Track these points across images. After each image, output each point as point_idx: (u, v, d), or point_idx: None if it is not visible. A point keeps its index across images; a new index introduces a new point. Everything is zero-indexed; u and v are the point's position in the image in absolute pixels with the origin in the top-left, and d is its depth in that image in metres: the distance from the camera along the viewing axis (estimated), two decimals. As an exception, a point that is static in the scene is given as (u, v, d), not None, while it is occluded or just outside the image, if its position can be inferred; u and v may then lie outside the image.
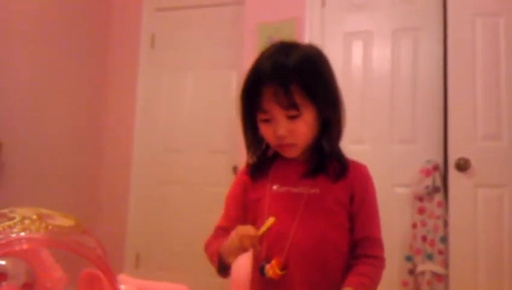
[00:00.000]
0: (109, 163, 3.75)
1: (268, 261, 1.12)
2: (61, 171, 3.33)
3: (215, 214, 3.65)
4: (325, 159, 1.21)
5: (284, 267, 1.11)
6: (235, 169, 3.27)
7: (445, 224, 2.55)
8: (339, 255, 1.17)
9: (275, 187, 1.22)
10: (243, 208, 1.27)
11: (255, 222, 1.18)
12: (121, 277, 0.70)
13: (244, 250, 1.09)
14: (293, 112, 1.11)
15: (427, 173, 2.59)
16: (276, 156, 1.25)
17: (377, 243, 1.21)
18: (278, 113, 1.12)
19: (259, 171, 1.26)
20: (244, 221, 1.22)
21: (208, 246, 1.28)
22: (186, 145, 3.67)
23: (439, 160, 2.66)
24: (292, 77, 1.10)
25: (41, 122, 3.18)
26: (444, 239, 2.53)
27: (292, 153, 1.19)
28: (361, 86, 2.88)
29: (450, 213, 2.53)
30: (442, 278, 2.51)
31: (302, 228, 1.15)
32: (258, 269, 1.13)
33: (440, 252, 2.52)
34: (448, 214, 2.54)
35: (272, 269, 1.10)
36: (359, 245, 1.19)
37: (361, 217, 1.20)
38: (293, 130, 1.13)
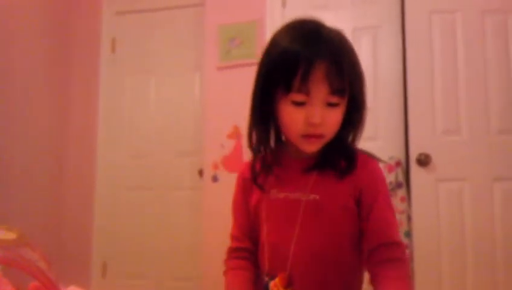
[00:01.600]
0: (72, 169, 3.67)
1: (271, 277, 1.06)
2: (23, 178, 3.23)
3: (183, 218, 3.66)
4: (331, 154, 1.07)
5: (288, 284, 1.03)
6: (201, 172, 3.26)
7: (409, 219, 2.59)
8: (340, 269, 1.07)
9: (272, 192, 1.11)
10: (248, 212, 1.17)
11: (258, 230, 1.13)
12: (71, 289, 0.69)
13: None
14: (336, 99, 0.99)
15: (390, 169, 2.63)
16: (275, 158, 1.12)
17: (397, 246, 1.04)
18: (321, 98, 0.97)
19: (262, 175, 1.14)
20: (253, 224, 1.15)
21: (225, 271, 1.18)
22: (151, 149, 3.62)
23: (401, 156, 2.70)
24: (345, 59, 0.98)
25: (1, 128, 3.09)
26: (408, 233, 2.57)
27: (315, 147, 1.04)
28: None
29: (413, 208, 2.58)
30: (407, 272, 2.54)
31: (302, 243, 1.05)
32: (263, 287, 1.07)
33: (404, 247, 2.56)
34: (411, 208, 2.59)
35: (276, 287, 1.04)
36: (377, 252, 1.02)
37: (373, 221, 1.04)
38: (327, 120, 1.00)
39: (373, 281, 1.01)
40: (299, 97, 0.98)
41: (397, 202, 2.60)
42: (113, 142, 3.67)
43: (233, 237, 1.21)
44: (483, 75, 2.58)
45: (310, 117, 0.98)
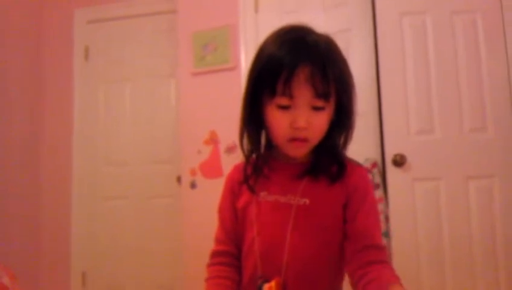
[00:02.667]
0: (48, 180, 3.62)
1: (265, 280, 1.05)
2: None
3: (162, 226, 3.64)
4: (322, 160, 1.09)
5: (284, 288, 1.04)
6: (179, 179, 3.24)
7: (387, 219, 2.61)
8: (330, 272, 1.09)
9: (262, 195, 1.12)
10: (236, 216, 1.17)
11: (244, 233, 1.13)
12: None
13: None
14: (321, 103, 1.00)
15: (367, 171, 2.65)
16: (266, 162, 1.14)
17: (382, 249, 1.07)
18: (305, 101, 0.99)
19: (252, 177, 1.14)
20: (238, 228, 1.15)
21: (206, 279, 1.17)
22: (127, 157, 3.60)
23: (377, 157, 2.72)
24: (329, 62, 0.99)
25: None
26: (386, 234, 2.59)
27: (301, 151, 1.07)
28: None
29: (390, 208, 2.60)
30: (387, 272, 2.56)
31: (296, 247, 1.06)
32: (256, 288, 1.07)
33: (383, 247, 2.58)
34: (388, 209, 2.61)
35: None
36: (364, 253, 1.03)
37: (358, 225, 1.06)
38: (312, 124, 1.01)
39: (360, 281, 1.00)
40: (283, 101, 1.00)
41: (374, 203, 2.62)
42: (88, 151, 3.64)
43: (218, 240, 1.21)
44: (455, 74, 2.62)
45: (294, 121, 1.00)
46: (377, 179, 2.65)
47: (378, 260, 1.02)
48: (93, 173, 3.63)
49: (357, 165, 1.14)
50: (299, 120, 1.00)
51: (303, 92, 0.98)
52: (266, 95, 1.02)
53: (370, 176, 2.64)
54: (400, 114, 2.63)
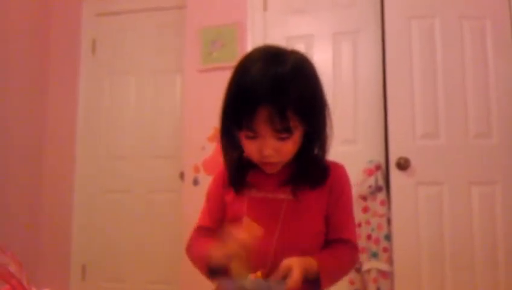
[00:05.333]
0: (51, 172, 3.62)
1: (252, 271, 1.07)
2: (0, 180, 3.18)
3: (163, 221, 3.63)
4: (305, 165, 1.15)
5: (267, 280, 1.06)
6: (181, 175, 3.24)
7: (389, 222, 2.61)
8: None
9: (251, 191, 1.18)
10: (223, 205, 1.23)
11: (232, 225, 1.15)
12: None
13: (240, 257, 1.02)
14: (284, 135, 1.05)
15: (370, 172, 2.65)
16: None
17: (350, 244, 1.18)
18: (268, 135, 1.05)
19: (238, 175, 1.20)
20: (222, 217, 1.21)
21: (191, 249, 1.23)
22: (131, 151, 3.60)
23: (381, 160, 2.72)
24: (289, 101, 1.02)
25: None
26: (388, 237, 2.59)
27: (274, 169, 1.14)
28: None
29: (393, 211, 2.60)
30: (387, 275, 2.56)
31: (284, 240, 1.11)
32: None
33: (385, 250, 2.58)
34: (391, 212, 2.61)
35: None
36: (334, 242, 1.16)
37: (334, 219, 1.16)
38: (280, 150, 1.07)
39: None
40: (250, 134, 1.06)
41: (377, 206, 2.62)
42: (92, 144, 3.64)
43: (203, 218, 1.28)
44: (461, 80, 2.62)
45: (261, 150, 1.07)
46: (380, 182, 2.65)
47: (344, 246, 1.15)
48: (95, 166, 3.63)
49: (336, 163, 1.22)
50: (264, 150, 1.06)
51: (264, 128, 1.04)
52: (239, 127, 1.08)
53: (372, 178, 2.64)
54: (405, 117, 2.63)
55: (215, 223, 1.21)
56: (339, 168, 1.21)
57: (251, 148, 1.09)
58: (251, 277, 1.05)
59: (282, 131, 1.03)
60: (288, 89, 1.03)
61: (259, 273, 1.06)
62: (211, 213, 1.26)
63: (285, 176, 1.15)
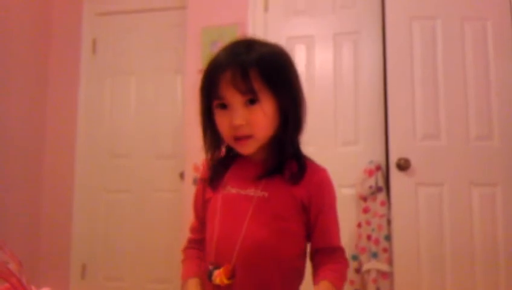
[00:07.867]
0: (51, 171, 3.62)
1: (216, 266, 1.10)
2: (0, 179, 3.19)
3: (163, 220, 3.63)
4: (283, 159, 1.15)
5: (231, 276, 1.08)
6: (182, 175, 3.24)
7: (389, 222, 2.61)
8: (277, 264, 1.12)
9: (227, 188, 1.18)
10: (206, 207, 1.25)
11: (207, 223, 1.19)
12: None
13: None
14: (250, 96, 1.07)
15: (370, 173, 2.66)
16: (235, 157, 1.21)
17: (338, 251, 1.20)
18: (235, 100, 1.07)
19: (216, 173, 1.22)
20: None
21: (183, 260, 1.29)
22: (131, 151, 3.60)
23: (381, 160, 2.73)
24: (251, 63, 1.06)
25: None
26: (388, 237, 2.59)
27: (249, 148, 1.13)
28: (304, 89, 2.91)
29: (393, 212, 2.60)
30: (387, 275, 2.57)
31: (248, 236, 1.11)
32: (206, 274, 1.12)
33: (384, 250, 2.58)
34: (391, 212, 2.61)
35: (219, 277, 1.08)
36: (319, 253, 1.18)
37: (319, 227, 1.16)
38: (250, 120, 1.08)
39: (313, 272, 1.17)
40: (218, 102, 1.11)
41: (377, 206, 2.63)
42: (92, 143, 3.64)
43: (193, 229, 1.32)
44: (463, 81, 2.62)
45: (231, 121, 1.09)
46: (381, 182, 2.65)
47: (332, 261, 1.16)
48: (96, 166, 3.63)
49: (319, 166, 1.20)
50: (235, 118, 1.08)
51: (230, 93, 1.07)
52: (210, 102, 1.13)
53: (373, 179, 2.65)
54: (406, 118, 2.63)
55: (204, 231, 1.23)
56: (319, 171, 1.19)
57: (224, 123, 1.11)
58: (216, 273, 1.09)
59: (247, 92, 1.06)
60: (250, 51, 1.09)
61: (222, 269, 1.09)
62: (198, 216, 1.30)
63: (260, 172, 1.16)
